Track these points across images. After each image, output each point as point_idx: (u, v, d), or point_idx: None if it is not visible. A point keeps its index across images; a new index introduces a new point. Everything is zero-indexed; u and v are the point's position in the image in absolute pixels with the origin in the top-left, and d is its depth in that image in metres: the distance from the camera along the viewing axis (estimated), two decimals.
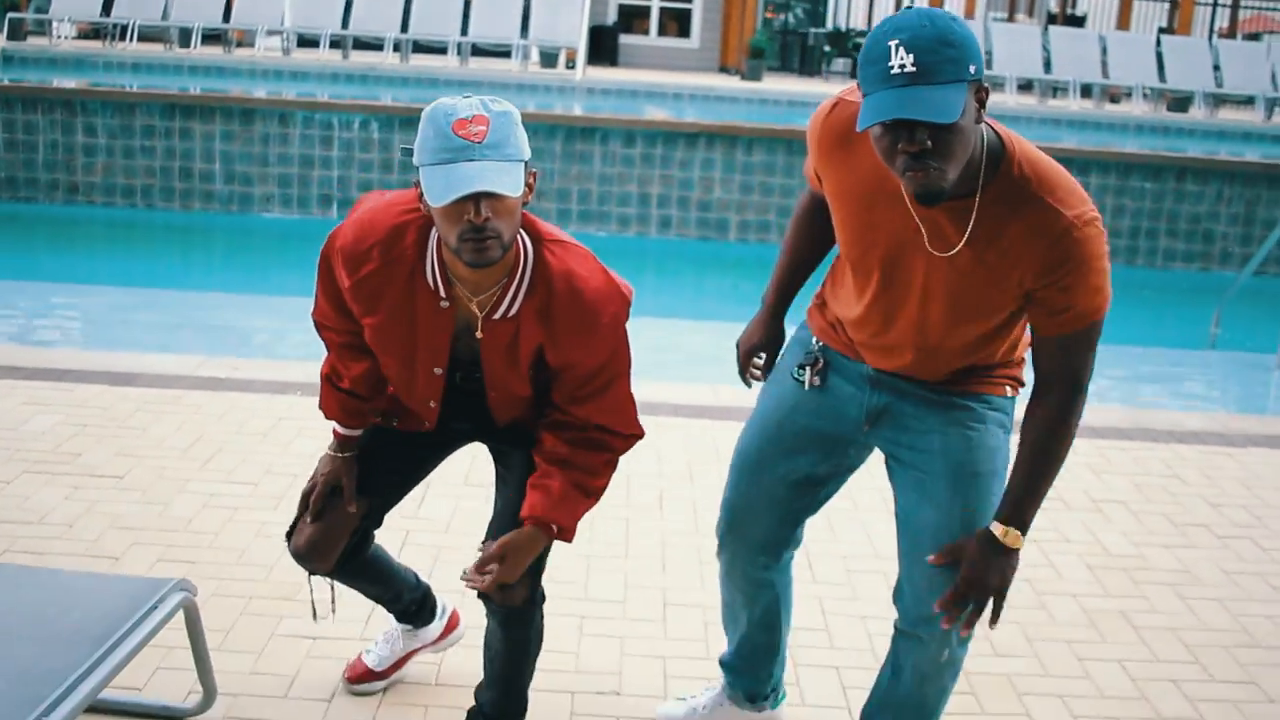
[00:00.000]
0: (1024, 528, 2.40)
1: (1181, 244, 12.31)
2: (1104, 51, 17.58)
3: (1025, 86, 17.44)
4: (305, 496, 2.76)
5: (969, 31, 2.08)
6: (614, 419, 2.65)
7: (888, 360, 2.54)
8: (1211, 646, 3.70)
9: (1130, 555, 4.33)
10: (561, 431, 2.63)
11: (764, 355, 2.87)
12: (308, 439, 4.85)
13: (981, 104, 2.12)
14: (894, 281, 2.40)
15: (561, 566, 3.65)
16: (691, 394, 5.75)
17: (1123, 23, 22.39)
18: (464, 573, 2.56)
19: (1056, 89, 18.05)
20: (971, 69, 2.04)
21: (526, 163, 2.33)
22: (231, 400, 5.29)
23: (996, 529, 2.40)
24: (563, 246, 2.50)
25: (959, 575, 2.42)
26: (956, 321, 2.39)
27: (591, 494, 2.64)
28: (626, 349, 2.59)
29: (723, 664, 3.07)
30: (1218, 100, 17.96)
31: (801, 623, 3.49)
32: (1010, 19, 24.91)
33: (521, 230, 2.45)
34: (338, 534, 2.76)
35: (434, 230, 2.44)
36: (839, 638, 3.62)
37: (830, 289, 2.67)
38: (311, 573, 2.81)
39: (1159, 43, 17.96)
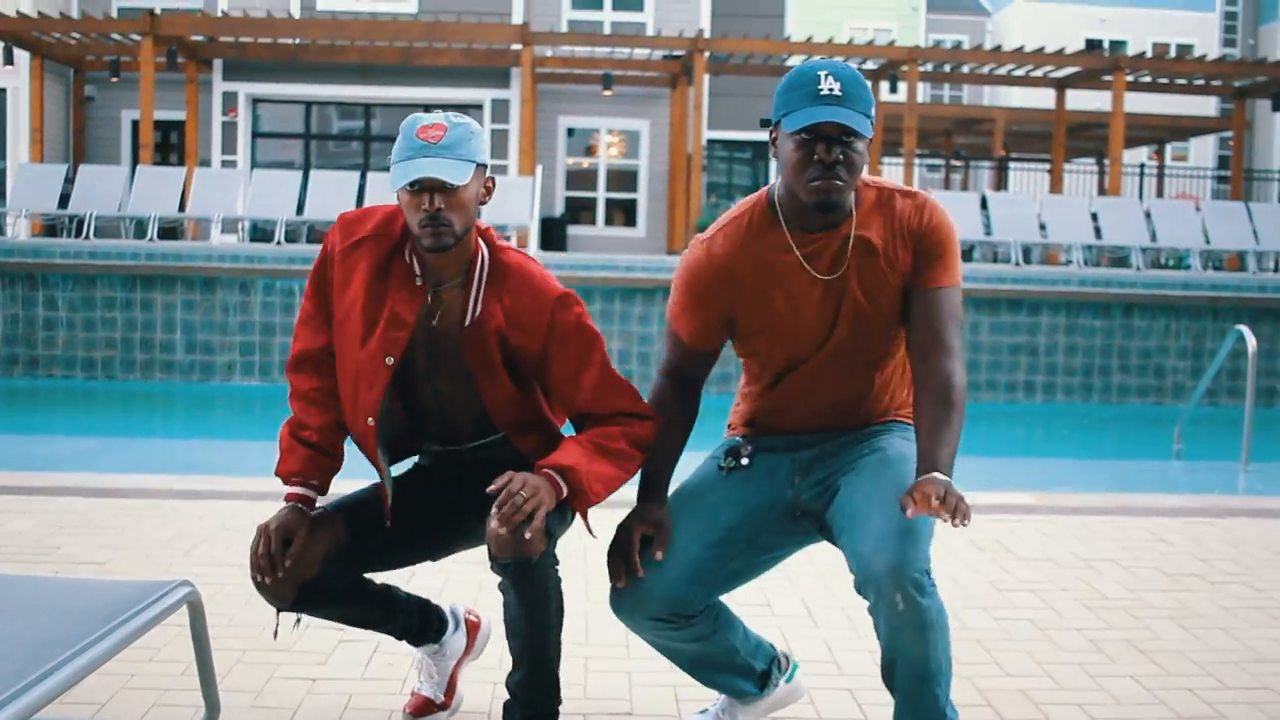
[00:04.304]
0: (945, 470, 2.44)
1: (1134, 379, 12.54)
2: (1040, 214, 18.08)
3: (966, 251, 17.87)
4: (253, 551, 2.70)
5: None
6: (618, 399, 2.74)
7: (813, 423, 2.77)
8: (1220, 664, 3.67)
9: (1126, 598, 4.32)
10: (583, 428, 2.75)
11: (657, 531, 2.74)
12: None
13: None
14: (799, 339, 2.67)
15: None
16: None
17: (1055, 192, 23.07)
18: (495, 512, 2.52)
19: (996, 253, 18.49)
20: (873, 113, 2.47)
21: (483, 166, 2.66)
22: (211, 506, 5.22)
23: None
24: (514, 249, 2.79)
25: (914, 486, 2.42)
26: (862, 340, 2.66)
27: (610, 455, 2.65)
28: (595, 338, 2.75)
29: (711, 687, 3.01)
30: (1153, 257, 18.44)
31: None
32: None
33: (481, 240, 2.75)
34: (293, 575, 2.73)
35: None
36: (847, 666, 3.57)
37: (747, 394, 2.88)
38: (273, 605, 2.78)
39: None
